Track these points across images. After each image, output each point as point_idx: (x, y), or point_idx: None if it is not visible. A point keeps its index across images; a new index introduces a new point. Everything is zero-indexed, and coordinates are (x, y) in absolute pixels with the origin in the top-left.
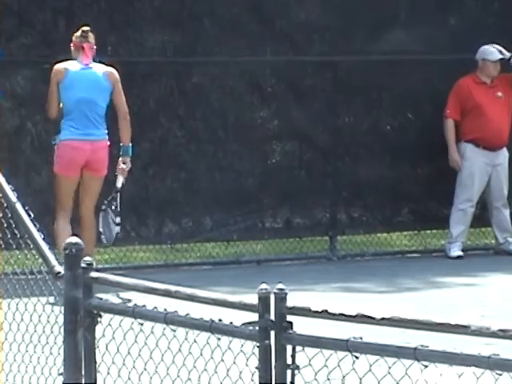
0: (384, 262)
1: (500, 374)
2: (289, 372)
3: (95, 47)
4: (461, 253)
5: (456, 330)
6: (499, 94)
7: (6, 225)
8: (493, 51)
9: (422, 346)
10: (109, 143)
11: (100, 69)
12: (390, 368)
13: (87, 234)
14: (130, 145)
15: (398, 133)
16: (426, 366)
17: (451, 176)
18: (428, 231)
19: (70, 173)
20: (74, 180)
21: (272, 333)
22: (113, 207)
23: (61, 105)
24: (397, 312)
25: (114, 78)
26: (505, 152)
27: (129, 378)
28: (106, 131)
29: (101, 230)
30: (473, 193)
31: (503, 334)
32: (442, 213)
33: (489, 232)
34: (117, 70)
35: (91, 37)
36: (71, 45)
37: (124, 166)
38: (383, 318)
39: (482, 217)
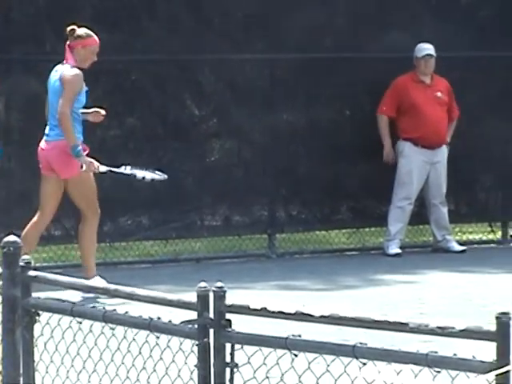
0: (322, 259)
1: (438, 372)
2: (228, 370)
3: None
4: (399, 250)
5: (394, 328)
6: (438, 94)
7: None
8: (422, 48)
9: (361, 343)
10: (51, 144)
11: (61, 70)
12: (328, 366)
13: (82, 243)
14: (72, 145)
15: (336, 130)
16: (364, 364)
17: (390, 174)
18: (366, 229)
19: (43, 171)
20: (49, 179)
21: (211, 331)
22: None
23: None
24: (335, 310)
25: (65, 79)
26: (443, 150)
27: (67, 377)
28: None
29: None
30: (411, 190)
31: (441, 332)
32: (380, 210)
33: (427, 229)
34: None
35: (71, 37)
36: None
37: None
38: (322, 316)
39: (420, 214)
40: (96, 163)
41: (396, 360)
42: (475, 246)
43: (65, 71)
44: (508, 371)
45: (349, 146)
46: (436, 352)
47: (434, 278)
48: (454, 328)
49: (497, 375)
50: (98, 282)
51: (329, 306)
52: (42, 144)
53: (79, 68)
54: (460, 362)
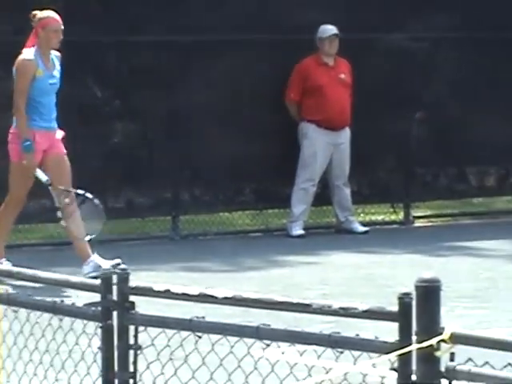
0: (226, 241)
1: (341, 352)
2: (131, 352)
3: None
4: (302, 232)
5: (297, 309)
6: (342, 75)
7: None
8: (326, 28)
9: (264, 324)
10: (12, 131)
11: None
12: (232, 347)
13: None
14: (22, 138)
15: (238, 113)
16: (267, 345)
17: (293, 155)
18: (270, 210)
19: None
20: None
21: (114, 313)
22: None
23: None
24: (239, 291)
25: (15, 69)
26: (347, 132)
27: None
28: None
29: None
30: (314, 172)
31: (344, 312)
32: (283, 192)
33: (330, 211)
34: None
35: (33, 22)
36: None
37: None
38: (225, 298)
39: (323, 195)
40: (34, 167)
41: (299, 341)
42: (378, 226)
43: (17, 60)
44: (410, 351)
45: (251, 128)
46: (338, 333)
47: (337, 259)
48: (356, 309)
49: (399, 355)
50: (3, 265)
51: (232, 288)
52: None
53: (41, 52)
54: (362, 342)
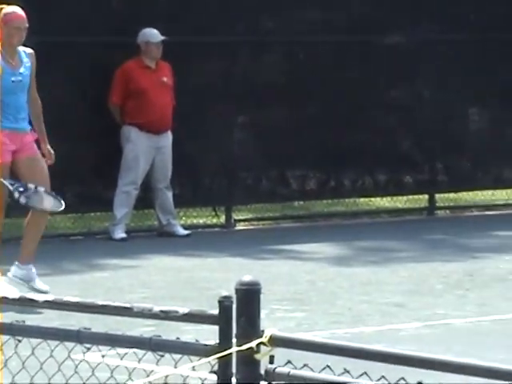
0: (47, 244)
1: (162, 355)
2: None
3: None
4: (124, 235)
5: (119, 312)
6: (164, 79)
7: None
8: (155, 33)
9: (85, 328)
10: None
11: None
12: (52, 351)
13: None
14: None
15: (60, 114)
16: (88, 349)
17: (116, 159)
18: (92, 214)
19: None
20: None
21: None
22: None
23: None
24: (60, 295)
25: None
26: (169, 135)
27: None
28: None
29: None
30: (137, 175)
31: (165, 316)
32: (105, 195)
33: (152, 214)
34: None
35: None
36: None
37: None
38: (46, 301)
39: (145, 199)
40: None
41: (120, 345)
42: (200, 230)
43: None
44: (230, 354)
45: (74, 130)
46: (159, 336)
47: (159, 262)
48: (177, 312)
49: (219, 358)
50: None
51: (54, 291)
52: None
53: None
54: (183, 345)
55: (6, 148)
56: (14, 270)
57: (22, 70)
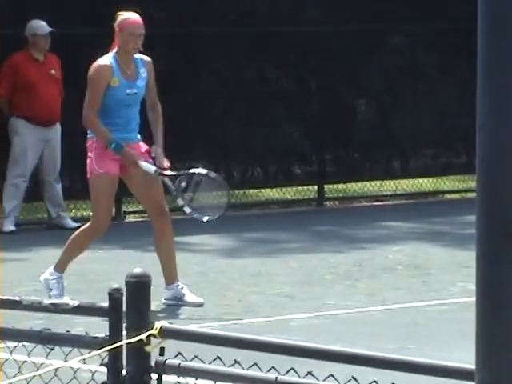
0: None
1: (52, 348)
2: None
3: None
4: (14, 228)
5: (8, 306)
6: (52, 71)
7: None
8: (42, 25)
9: None
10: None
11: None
12: None
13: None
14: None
15: None
16: None
17: (4, 151)
18: None
19: None
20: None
21: None
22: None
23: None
24: None
25: (89, 72)
26: (58, 128)
27: None
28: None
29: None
30: (26, 168)
31: (55, 308)
32: None
33: (42, 207)
34: None
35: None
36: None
37: None
38: None
39: (34, 191)
40: (135, 161)
41: (9, 338)
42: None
43: (91, 66)
44: (120, 346)
45: None
46: (49, 329)
47: (49, 255)
48: (67, 304)
49: (109, 350)
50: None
51: None
52: None
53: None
54: (73, 338)
55: (114, 159)
56: (164, 293)
57: (138, 81)
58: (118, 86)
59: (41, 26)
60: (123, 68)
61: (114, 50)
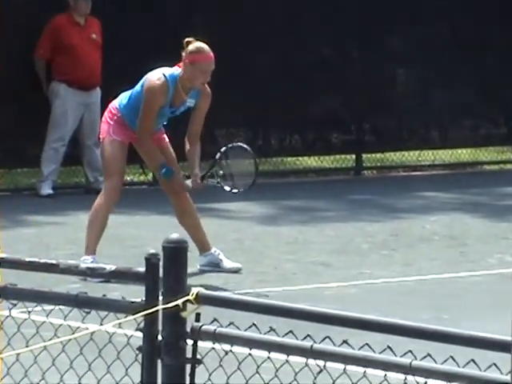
0: None
1: (88, 312)
2: None
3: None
4: (51, 191)
5: (45, 269)
6: (93, 35)
7: None
8: None
9: (11, 284)
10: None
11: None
12: None
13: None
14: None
15: None
16: (14, 305)
17: (44, 114)
18: (19, 170)
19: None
20: None
21: None
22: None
23: None
24: None
25: (146, 86)
26: (98, 92)
27: None
28: None
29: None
30: (65, 131)
31: (91, 272)
32: (33, 151)
33: (79, 171)
34: None
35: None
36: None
37: None
38: None
39: (73, 156)
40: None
41: (46, 301)
42: (127, 187)
43: (149, 78)
44: (156, 311)
45: (2, 86)
46: (85, 293)
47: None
48: (104, 269)
49: (145, 316)
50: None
51: None
52: None
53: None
54: (109, 302)
55: (127, 135)
56: (200, 260)
57: (181, 107)
58: (162, 108)
59: None
60: (178, 94)
61: (179, 73)
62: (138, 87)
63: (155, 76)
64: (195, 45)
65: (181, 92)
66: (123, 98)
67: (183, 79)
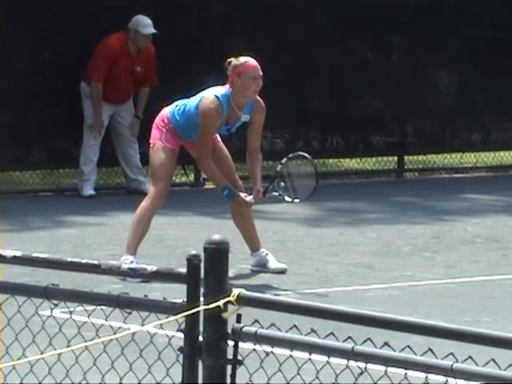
0: (16, 200)
1: (129, 312)
2: None
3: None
4: (93, 192)
5: (87, 269)
6: (138, 68)
7: None
8: (148, 24)
9: (53, 284)
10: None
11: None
12: (20, 307)
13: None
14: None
15: (36, 74)
16: (56, 305)
17: (81, 114)
18: (61, 170)
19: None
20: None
21: None
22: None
23: None
24: (28, 251)
25: (201, 107)
26: (130, 104)
27: None
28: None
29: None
30: (102, 132)
31: (133, 273)
32: (74, 152)
33: (120, 171)
34: None
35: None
36: None
37: None
38: (14, 257)
39: (114, 156)
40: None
41: (87, 301)
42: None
43: (204, 100)
44: (197, 312)
45: (41, 87)
46: (127, 293)
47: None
48: (145, 269)
49: (186, 316)
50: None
51: (21, 247)
52: None
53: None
54: (150, 303)
55: (178, 142)
56: (251, 260)
57: (236, 123)
58: (217, 127)
59: (147, 24)
60: (232, 112)
61: (231, 90)
62: (191, 105)
63: (209, 99)
64: (238, 59)
65: (235, 110)
66: (176, 109)
67: (236, 96)
